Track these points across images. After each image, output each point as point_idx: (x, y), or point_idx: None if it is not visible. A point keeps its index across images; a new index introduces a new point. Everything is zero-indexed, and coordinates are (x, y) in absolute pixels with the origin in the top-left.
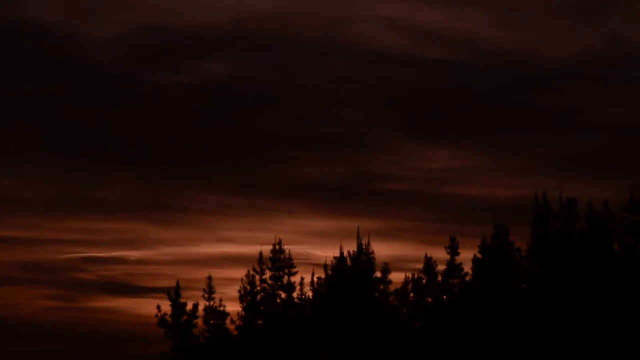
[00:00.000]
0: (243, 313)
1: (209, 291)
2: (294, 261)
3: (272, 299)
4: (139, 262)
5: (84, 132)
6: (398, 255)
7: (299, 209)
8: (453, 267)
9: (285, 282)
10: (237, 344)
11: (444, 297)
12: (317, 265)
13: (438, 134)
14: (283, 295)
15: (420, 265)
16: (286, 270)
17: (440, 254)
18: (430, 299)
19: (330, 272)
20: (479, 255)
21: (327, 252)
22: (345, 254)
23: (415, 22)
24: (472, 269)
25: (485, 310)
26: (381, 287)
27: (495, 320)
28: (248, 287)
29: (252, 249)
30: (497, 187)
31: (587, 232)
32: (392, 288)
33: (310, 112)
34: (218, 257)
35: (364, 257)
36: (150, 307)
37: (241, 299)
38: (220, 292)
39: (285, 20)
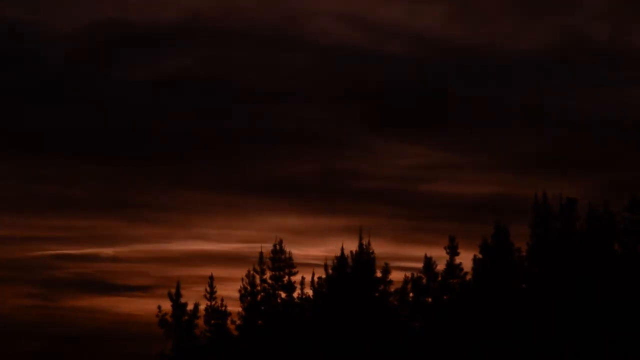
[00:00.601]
0: (243, 313)
1: (210, 291)
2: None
3: (273, 299)
4: (113, 259)
5: (52, 129)
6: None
7: (273, 206)
8: (453, 267)
9: (285, 282)
10: (238, 344)
11: (444, 297)
12: (300, 263)
13: (406, 130)
14: (283, 295)
15: (398, 263)
16: (287, 270)
17: (416, 252)
18: (430, 299)
19: (330, 271)
20: (479, 256)
21: (303, 251)
22: (346, 253)
23: (372, 16)
24: (472, 269)
25: (485, 310)
26: (382, 287)
27: (495, 320)
28: (248, 287)
29: (226, 247)
30: (468, 184)
31: (587, 232)
32: (392, 288)
33: (277, 109)
34: (192, 254)
35: (364, 256)
36: (129, 306)
37: (241, 299)
38: (196, 290)
39: (245, 15)
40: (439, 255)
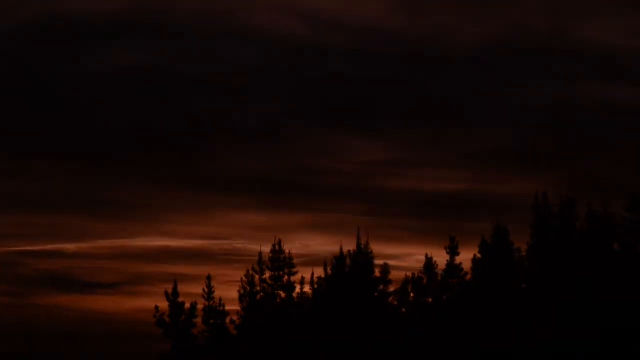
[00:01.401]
0: (242, 313)
1: (209, 291)
2: (234, 257)
3: (272, 299)
4: (77, 255)
5: (10, 126)
6: (336, 251)
7: (235, 203)
8: (453, 267)
9: (285, 282)
10: (237, 344)
11: (444, 297)
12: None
13: (364, 125)
14: (283, 295)
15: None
16: (286, 270)
17: (380, 249)
18: (430, 299)
19: (330, 271)
20: (478, 256)
21: (266, 247)
22: (345, 252)
23: (317, 9)
24: (472, 268)
25: (485, 310)
26: (381, 287)
27: (495, 320)
28: (248, 287)
29: (190, 243)
30: (427, 181)
31: (587, 232)
32: (392, 288)
33: (230, 104)
34: (156, 251)
35: (363, 257)
36: (99, 303)
37: (241, 299)
38: (162, 287)
39: (192, 7)
40: (404, 252)
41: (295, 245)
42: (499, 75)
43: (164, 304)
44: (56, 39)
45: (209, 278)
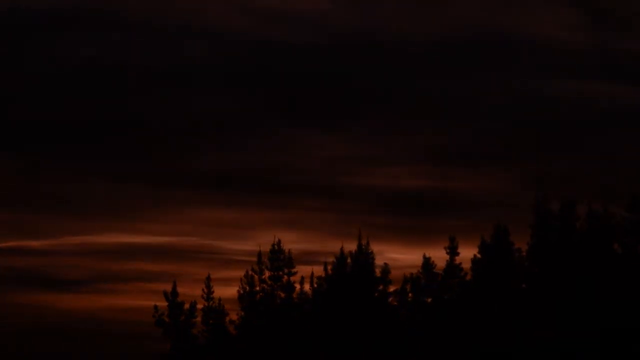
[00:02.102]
0: (242, 313)
1: (208, 291)
2: (202, 254)
3: (271, 298)
4: (41, 252)
5: None
6: (306, 248)
7: (201, 199)
8: (452, 267)
9: (284, 282)
10: (236, 344)
11: (444, 297)
12: (231, 259)
13: (322, 120)
14: (282, 295)
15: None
16: (286, 270)
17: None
18: (429, 299)
19: (330, 271)
20: (478, 256)
21: (235, 245)
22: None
23: (269, 4)
24: (472, 268)
25: (485, 310)
26: (381, 287)
27: (495, 320)
28: (247, 287)
29: (156, 240)
30: (387, 177)
31: (587, 232)
32: (391, 288)
33: (190, 99)
34: (123, 247)
35: (363, 257)
36: (72, 302)
37: (240, 299)
38: (136, 285)
39: (144, 3)
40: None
41: (264, 242)
42: (458, 70)
43: (146, 303)
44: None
45: (208, 278)
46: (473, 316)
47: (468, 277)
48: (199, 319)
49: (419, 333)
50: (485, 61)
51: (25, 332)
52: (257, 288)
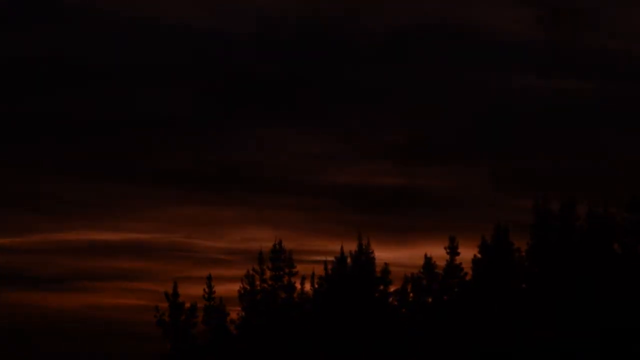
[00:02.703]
0: (243, 313)
1: (209, 291)
2: (175, 252)
3: (273, 299)
4: (12, 250)
5: None
6: (270, 246)
7: (167, 197)
8: (453, 267)
9: (285, 282)
10: (237, 344)
11: (444, 297)
12: (207, 257)
13: (284, 117)
14: (283, 295)
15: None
16: (286, 270)
17: (322, 245)
18: (430, 299)
19: (330, 272)
20: (478, 256)
21: (206, 241)
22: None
23: None
24: (472, 269)
25: (485, 310)
26: (381, 287)
27: (495, 320)
28: (248, 287)
29: (131, 237)
30: (352, 174)
31: (587, 232)
32: (392, 288)
33: (157, 95)
34: (94, 244)
35: (363, 257)
36: (53, 300)
37: (241, 299)
38: (115, 284)
39: None
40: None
41: (236, 238)
42: (399, 63)
43: (121, 300)
44: None
45: (209, 278)
46: (473, 316)
47: (468, 277)
48: (199, 319)
49: (419, 333)
50: (446, 56)
51: (17, 331)
52: (258, 288)
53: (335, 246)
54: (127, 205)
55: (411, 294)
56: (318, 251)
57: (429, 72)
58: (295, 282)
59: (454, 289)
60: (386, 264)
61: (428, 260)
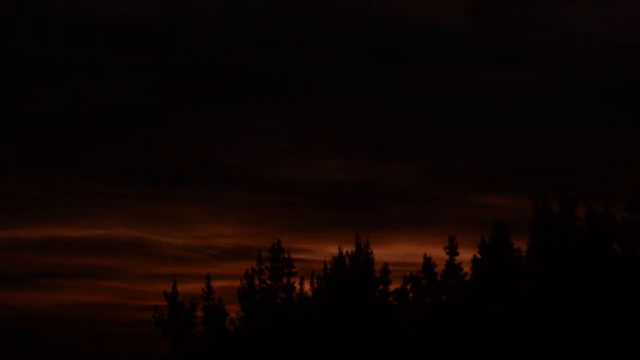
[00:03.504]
0: (242, 313)
1: (208, 291)
2: (138, 248)
3: (272, 299)
4: None
5: None
6: (235, 243)
7: (126, 193)
8: (452, 268)
9: (284, 282)
10: (236, 344)
11: (444, 297)
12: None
13: (257, 112)
14: (282, 295)
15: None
16: (286, 271)
17: (288, 243)
18: (429, 299)
19: (329, 272)
20: (478, 256)
21: (165, 238)
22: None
23: None
24: (472, 269)
25: (485, 310)
26: (381, 287)
27: (495, 320)
28: (248, 287)
29: (93, 233)
30: (310, 170)
31: (587, 232)
32: (391, 288)
33: (112, 91)
34: (61, 242)
35: (362, 257)
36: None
37: (240, 299)
38: (80, 282)
39: None
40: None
41: (201, 235)
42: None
43: (89, 298)
44: None
45: (208, 278)
46: (473, 316)
47: (467, 278)
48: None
49: (419, 333)
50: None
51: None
52: (257, 288)
53: (303, 244)
54: (89, 202)
55: (410, 294)
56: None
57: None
58: (294, 282)
59: (453, 289)
60: (386, 264)
61: (427, 260)
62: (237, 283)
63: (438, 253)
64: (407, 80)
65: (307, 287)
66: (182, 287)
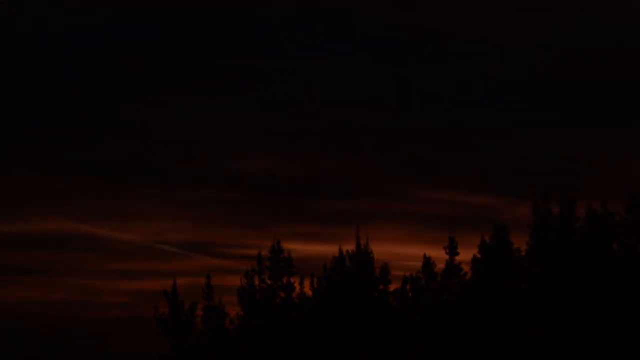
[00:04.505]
0: (242, 313)
1: (208, 291)
2: (92, 244)
3: (272, 299)
4: None
5: None
6: (188, 239)
7: (92, 190)
8: (452, 267)
9: (285, 282)
10: (236, 344)
11: (444, 297)
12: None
13: (187, 104)
14: (282, 295)
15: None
16: (286, 271)
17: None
18: (430, 299)
19: (329, 272)
20: (478, 256)
21: (127, 235)
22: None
23: None
24: (472, 269)
25: (485, 310)
26: (381, 287)
27: (495, 320)
28: (248, 287)
29: (44, 229)
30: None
31: (587, 232)
32: (392, 288)
33: (66, 83)
34: (15, 238)
35: (362, 257)
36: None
37: (240, 299)
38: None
39: None
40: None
41: (149, 231)
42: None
43: (40, 295)
44: None
45: (208, 277)
46: (473, 316)
47: (468, 277)
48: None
49: (419, 333)
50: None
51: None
52: (257, 288)
53: (250, 239)
54: (37, 198)
55: (410, 294)
56: (236, 244)
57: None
58: (294, 282)
59: (453, 289)
60: (386, 264)
61: (427, 260)
62: (200, 280)
63: (438, 253)
64: None
65: (307, 287)
66: (142, 285)
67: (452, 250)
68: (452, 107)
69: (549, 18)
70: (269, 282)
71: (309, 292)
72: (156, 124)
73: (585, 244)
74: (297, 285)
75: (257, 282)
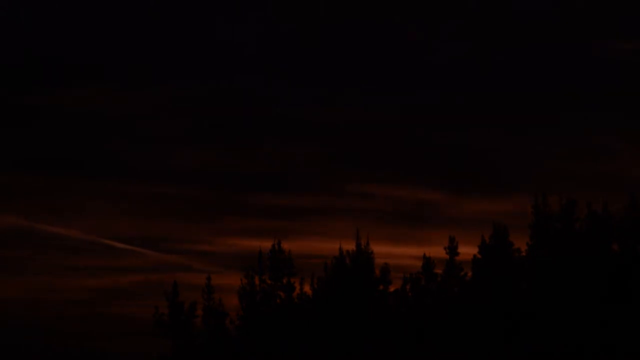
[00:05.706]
0: (242, 313)
1: (208, 291)
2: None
3: (272, 299)
4: None
5: None
6: (132, 234)
7: (30, 185)
8: (452, 267)
9: (284, 282)
10: (236, 344)
11: (444, 297)
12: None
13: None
14: (282, 295)
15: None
16: (286, 271)
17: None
18: (429, 299)
19: (329, 272)
20: (478, 256)
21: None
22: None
23: None
24: (472, 269)
25: (485, 310)
26: (381, 287)
27: (494, 320)
28: (248, 287)
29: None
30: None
31: (586, 232)
32: (392, 288)
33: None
34: None
35: (363, 257)
36: None
37: (240, 299)
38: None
39: None
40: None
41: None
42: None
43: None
44: None
45: (208, 278)
46: (473, 316)
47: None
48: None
49: (418, 333)
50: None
51: None
52: (257, 288)
53: (196, 235)
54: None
55: (410, 294)
56: (182, 239)
57: None
58: (294, 282)
59: (453, 289)
60: (386, 264)
61: (427, 260)
62: (151, 276)
63: (438, 253)
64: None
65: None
66: (90, 282)
67: (452, 250)
68: None
69: None
70: (269, 282)
71: (309, 292)
72: (95, 119)
73: (585, 244)
74: (297, 285)
75: (257, 282)
